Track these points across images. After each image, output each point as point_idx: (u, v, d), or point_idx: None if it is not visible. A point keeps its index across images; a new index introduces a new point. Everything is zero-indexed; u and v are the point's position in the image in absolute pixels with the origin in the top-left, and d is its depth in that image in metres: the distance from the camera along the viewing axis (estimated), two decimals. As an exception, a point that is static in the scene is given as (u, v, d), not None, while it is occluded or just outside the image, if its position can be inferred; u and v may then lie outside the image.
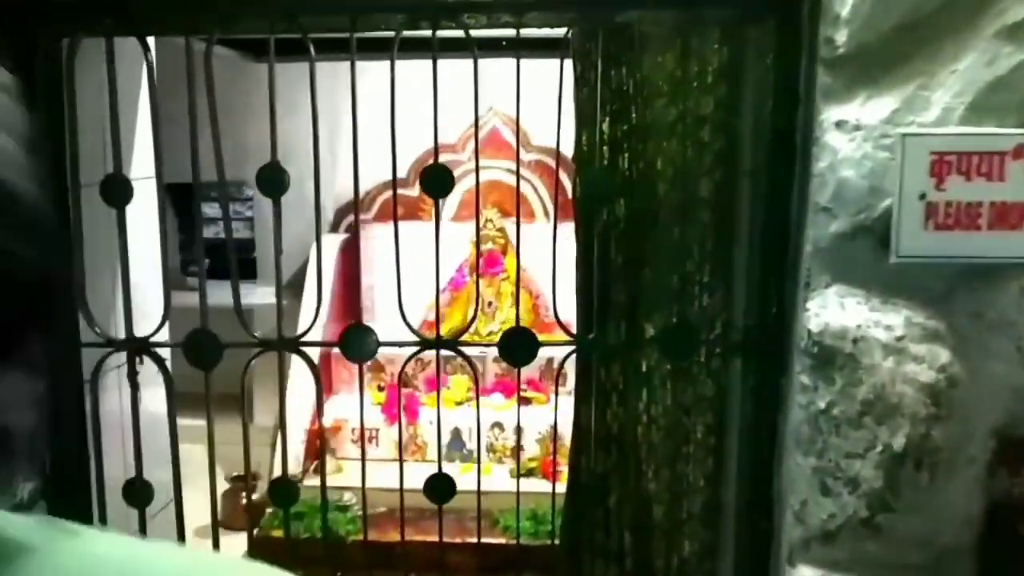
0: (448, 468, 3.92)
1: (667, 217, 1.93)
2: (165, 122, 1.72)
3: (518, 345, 1.71)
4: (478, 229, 1.93)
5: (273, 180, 1.63)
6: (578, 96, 1.98)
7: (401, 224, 1.70)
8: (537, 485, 3.59)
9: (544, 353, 1.79)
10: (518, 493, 2.06)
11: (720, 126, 1.86)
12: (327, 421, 3.75)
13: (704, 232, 1.88)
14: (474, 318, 1.84)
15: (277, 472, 3.76)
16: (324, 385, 4.17)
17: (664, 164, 1.92)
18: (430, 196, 1.65)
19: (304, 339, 1.71)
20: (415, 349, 1.75)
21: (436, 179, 1.60)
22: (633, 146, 1.95)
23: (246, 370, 1.74)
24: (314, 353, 1.78)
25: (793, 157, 1.59)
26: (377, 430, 3.89)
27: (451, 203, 4.59)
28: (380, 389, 4.10)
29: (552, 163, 3.78)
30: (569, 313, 1.84)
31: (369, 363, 4.26)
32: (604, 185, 1.78)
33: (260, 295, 4.59)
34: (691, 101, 1.82)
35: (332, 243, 4.41)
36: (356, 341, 1.69)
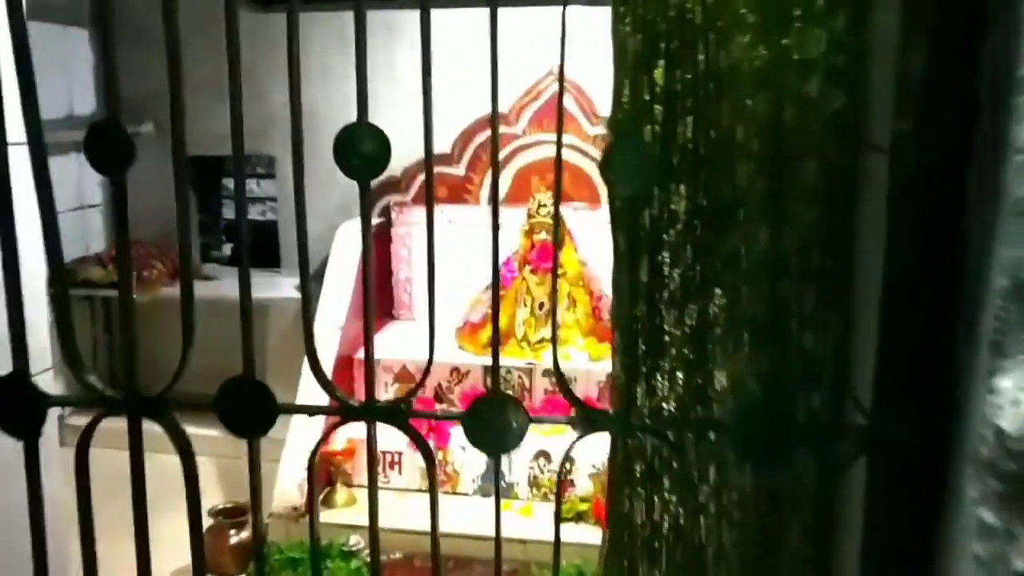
0: (482, 505, 3.29)
1: (751, 215, 1.28)
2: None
3: (489, 420, 1.07)
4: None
5: (108, 147, 1.02)
6: (618, 31, 1.33)
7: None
8: (587, 533, 2.95)
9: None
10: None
11: (837, 74, 1.19)
12: (340, 443, 3.16)
13: (808, 243, 1.22)
14: (421, 383, 1.21)
15: (275, 502, 3.20)
16: (348, 395, 3.59)
17: (747, 134, 1.26)
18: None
19: (166, 395, 1.10)
20: (345, 415, 1.12)
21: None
22: (700, 105, 1.29)
23: (89, 436, 1.13)
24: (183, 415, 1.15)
25: (971, 123, 0.91)
26: (400, 454, 3.29)
27: (502, 184, 3.94)
28: (407, 404, 3.50)
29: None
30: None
31: (395, 371, 3.68)
32: (646, 162, 1.12)
33: (283, 287, 4.01)
34: (791, 36, 1.16)
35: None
36: (237, 402, 1.07)
